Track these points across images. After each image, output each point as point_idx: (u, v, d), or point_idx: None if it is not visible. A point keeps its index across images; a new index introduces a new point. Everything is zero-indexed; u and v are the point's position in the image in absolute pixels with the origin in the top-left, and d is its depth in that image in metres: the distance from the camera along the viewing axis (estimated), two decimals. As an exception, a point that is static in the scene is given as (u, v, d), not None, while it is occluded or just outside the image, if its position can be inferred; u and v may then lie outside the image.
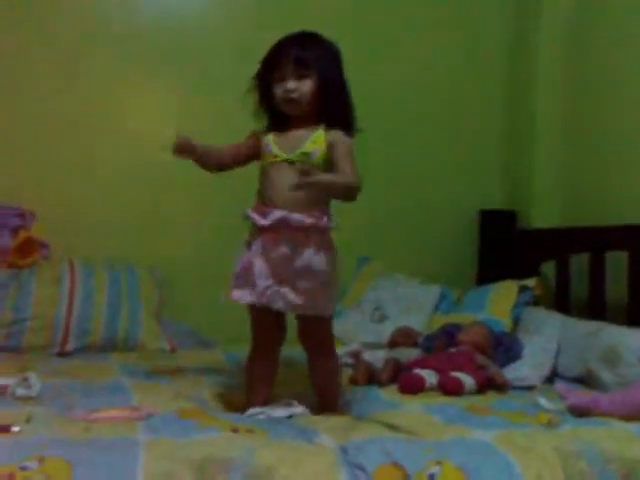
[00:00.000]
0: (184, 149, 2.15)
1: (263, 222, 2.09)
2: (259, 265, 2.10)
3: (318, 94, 2.13)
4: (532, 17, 3.60)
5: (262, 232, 2.11)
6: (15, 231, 3.07)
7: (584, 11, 3.44)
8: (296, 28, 2.20)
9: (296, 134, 2.14)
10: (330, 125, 2.14)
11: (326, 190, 2.07)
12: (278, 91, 2.14)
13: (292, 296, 2.09)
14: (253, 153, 2.21)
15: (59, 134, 3.26)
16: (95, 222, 3.27)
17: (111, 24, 3.33)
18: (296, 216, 2.07)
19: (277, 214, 2.08)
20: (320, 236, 2.11)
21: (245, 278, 2.12)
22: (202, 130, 3.33)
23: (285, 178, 2.09)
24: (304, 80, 2.11)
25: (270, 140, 2.16)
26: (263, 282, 2.09)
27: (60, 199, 3.22)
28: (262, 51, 2.19)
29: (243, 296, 2.12)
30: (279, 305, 2.10)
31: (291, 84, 2.11)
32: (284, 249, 2.09)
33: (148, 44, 3.36)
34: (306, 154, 2.11)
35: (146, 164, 3.34)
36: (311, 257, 2.09)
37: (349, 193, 2.06)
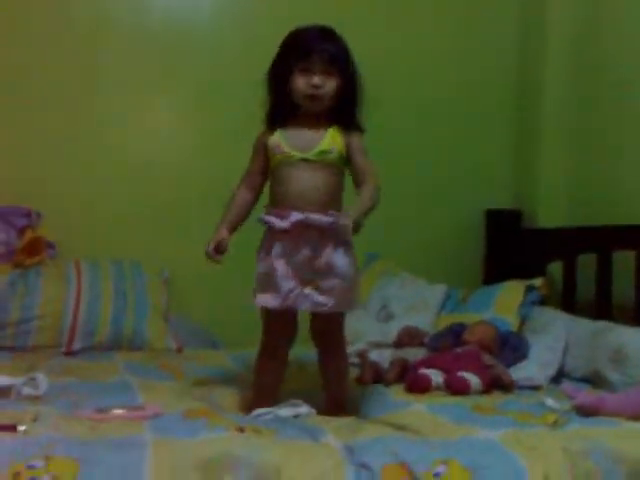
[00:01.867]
0: (220, 251, 2.14)
1: (283, 225, 2.07)
2: (281, 268, 2.08)
3: (338, 93, 2.10)
4: (538, 22, 3.59)
5: (281, 235, 2.09)
6: (22, 231, 3.08)
7: (591, 16, 3.43)
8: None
9: (307, 132, 2.11)
10: (345, 125, 2.12)
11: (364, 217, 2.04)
12: (300, 84, 2.07)
13: (317, 296, 2.08)
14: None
15: (65, 134, 3.26)
16: (102, 222, 3.27)
17: (121, 29, 3.34)
18: (315, 217, 2.05)
19: (296, 216, 2.06)
20: (337, 233, 2.08)
21: (268, 282, 2.10)
22: (209, 133, 3.41)
23: (301, 177, 2.08)
24: (330, 78, 2.07)
25: (280, 139, 2.13)
26: (286, 285, 2.08)
27: (67, 199, 3.23)
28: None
29: (267, 300, 2.10)
30: (305, 306, 2.10)
31: (318, 80, 2.06)
32: (305, 251, 2.08)
33: (157, 48, 3.36)
34: (324, 152, 2.09)
35: (153, 163, 3.35)
36: (331, 255, 2.08)
37: (377, 202, 2.08)
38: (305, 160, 2.09)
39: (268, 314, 2.15)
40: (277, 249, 2.09)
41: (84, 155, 3.28)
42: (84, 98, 3.29)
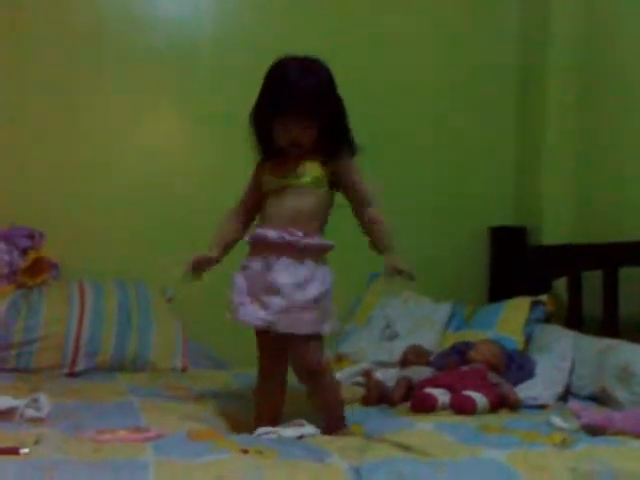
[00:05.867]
0: (201, 266, 2.22)
1: (245, 239, 2.18)
2: (239, 282, 2.16)
3: (320, 133, 2.12)
4: (541, 34, 3.60)
5: (248, 250, 2.19)
6: (25, 251, 3.08)
7: (594, 27, 3.44)
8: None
9: (291, 162, 2.16)
10: (333, 155, 2.15)
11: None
12: (280, 138, 2.13)
13: (262, 313, 2.10)
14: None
15: (67, 154, 3.27)
16: (105, 241, 3.28)
17: (122, 43, 3.34)
18: (272, 232, 2.10)
19: (256, 230, 2.15)
20: (297, 253, 2.10)
21: (230, 296, 2.19)
22: (212, 149, 3.41)
23: (277, 202, 2.15)
24: (309, 127, 2.10)
25: (267, 170, 2.20)
26: (238, 298, 2.14)
27: (69, 219, 3.23)
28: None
29: (227, 314, 2.19)
30: (248, 320, 2.12)
31: (296, 134, 2.10)
32: (257, 265, 2.13)
33: (159, 62, 3.37)
34: (297, 178, 2.14)
35: (156, 181, 3.36)
36: (278, 274, 2.09)
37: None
38: (282, 186, 2.14)
39: (256, 335, 2.19)
40: (242, 264, 2.18)
41: (86, 175, 3.28)
42: (86, 118, 3.30)
